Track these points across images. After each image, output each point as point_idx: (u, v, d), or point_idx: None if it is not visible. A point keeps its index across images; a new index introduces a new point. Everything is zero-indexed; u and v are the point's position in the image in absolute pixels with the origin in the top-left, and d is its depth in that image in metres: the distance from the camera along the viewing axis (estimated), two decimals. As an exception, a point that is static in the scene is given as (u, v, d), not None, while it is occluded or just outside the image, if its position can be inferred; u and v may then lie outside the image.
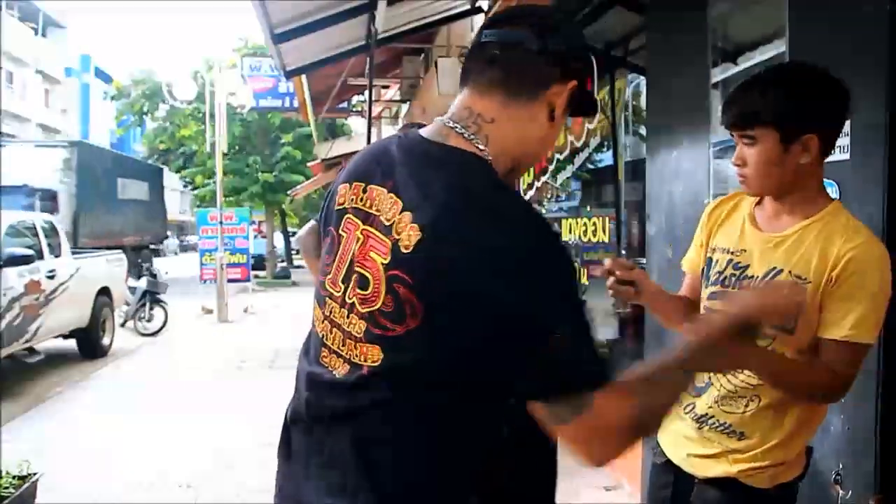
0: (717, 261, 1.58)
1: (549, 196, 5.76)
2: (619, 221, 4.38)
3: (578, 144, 4.68)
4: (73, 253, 8.01)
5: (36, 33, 32.08)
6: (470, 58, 1.08)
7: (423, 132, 1.07)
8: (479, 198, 0.96)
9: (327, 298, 1.07)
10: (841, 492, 1.92)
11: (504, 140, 1.03)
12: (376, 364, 0.98)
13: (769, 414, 1.47)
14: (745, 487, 1.50)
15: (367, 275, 0.99)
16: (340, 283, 1.04)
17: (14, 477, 3.28)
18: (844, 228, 1.39)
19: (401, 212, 0.97)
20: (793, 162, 1.40)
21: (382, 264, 0.97)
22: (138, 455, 4.48)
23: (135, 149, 38.29)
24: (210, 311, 11.83)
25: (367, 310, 0.99)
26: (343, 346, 1.03)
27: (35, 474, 3.38)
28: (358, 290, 1.00)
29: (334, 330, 1.05)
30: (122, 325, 9.69)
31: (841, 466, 1.92)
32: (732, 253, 1.53)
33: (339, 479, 1.01)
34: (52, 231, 7.53)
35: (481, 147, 1.02)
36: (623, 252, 4.44)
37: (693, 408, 1.59)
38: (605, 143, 4.52)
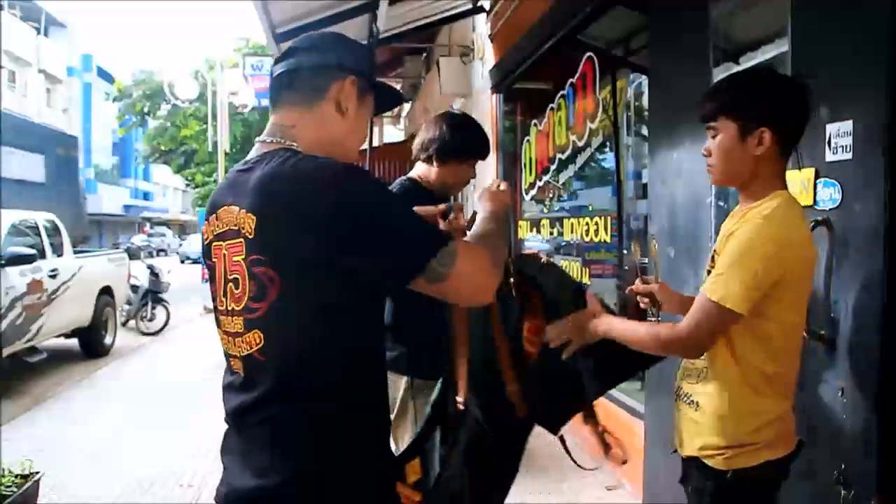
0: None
1: (551, 195, 5.76)
2: (620, 221, 4.38)
3: (580, 144, 4.67)
4: (76, 252, 8.02)
5: (38, 33, 32.09)
6: (270, 91, 1.32)
7: (247, 157, 1.27)
8: (282, 170, 1.15)
9: (221, 317, 1.24)
10: (843, 491, 1.91)
11: (308, 139, 1.25)
12: (261, 346, 1.15)
13: (716, 385, 1.55)
14: (707, 467, 1.56)
15: (237, 276, 1.18)
16: (223, 298, 1.22)
17: (16, 476, 3.28)
18: (754, 212, 1.51)
19: (238, 211, 1.17)
20: (749, 153, 1.53)
21: (242, 259, 1.16)
22: (139, 454, 4.48)
23: (136, 148, 38.37)
24: (212, 311, 11.83)
25: (240, 306, 1.17)
26: (235, 346, 1.20)
27: (37, 473, 3.38)
28: (233, 292, 1.18)
29: (229, 339, 1.22)
30: (124, 324, 9.70)
31: (843, 466, 1.92)
32: (716, 251, 1.64)
33: (259, 462, 1.17)
34: (54, 230, 7.54)
35: (289, 143, 1.24)
36: (625, 252, 4.44)
37: (678, 388, 1.71)
38: (607, 143, 4.51)
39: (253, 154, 1.27)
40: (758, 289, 1.44)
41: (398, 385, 2.25)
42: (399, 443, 2.23)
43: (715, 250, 1.62)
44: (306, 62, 1.28)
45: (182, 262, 24.41)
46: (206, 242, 1.27)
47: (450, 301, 1.26)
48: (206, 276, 1.31)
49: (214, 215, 1.24)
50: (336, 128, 1.28)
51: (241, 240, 1.15)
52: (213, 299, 1.27)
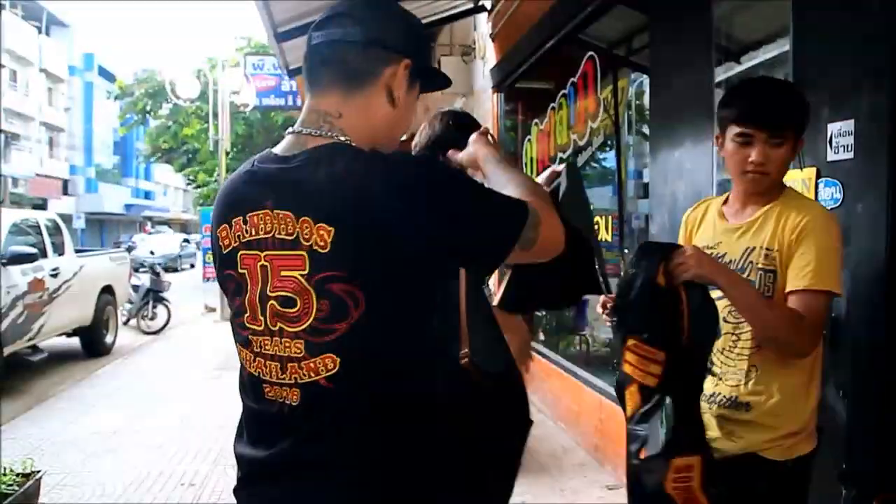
0: None
1: (551, 195, 5.75)
2: (622, 220, 4.37)
3: (581, 143, 4.67)
4: (77, 251, 8.02)
5: (39, 32, 32.12)
6: (305, 64, 1.13)
7: (276, 150, 1.11)
8: (355, 172, 1.00)
9: (251, 336, 1.07)
10: (844, 491, 1.91)
11: (357, 129, 1.08)
12: (333, 371, 1.00)
13: (770, 381, 1.56)
14: (765, 461, 1.56)
15: (289, 295, 1.01)
16: (260, 317, 1.05)
17: (17, 475, 3.28)
18: (799, 204, 1.59)
19: (297, 220, 1.00)
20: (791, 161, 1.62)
21: (303, 276, 1.00)
22: (140, 453, 4.48)
23: (138, 147, 38.38)
24: (213, 310, 11.85)
25: (301, 328, 1.01)
26: (284, 373, 1.03)
27: (38, 472, 3.38)
28: (285, 312, 1.02)
29: (269, 363, 1.05)
30: (125, 323, 9.71)
31: (844, 466, 1.92)
32: (710, 248, 1.66)
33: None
34: (55, 229, 7.55)
35: (342, 138, 1.06)
36: (626, 251, 4.43)
37: (703, 389, 1.67)
38: (608, 143, 4.51)
39: (289, 146, 1.09)
40: (841, 268, 1.53)
41: None
42: None
43: (763, 248, 1.59)
44: (354, 36, 1.08)
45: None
46: (225, 251, 1.09)
47: (533, 260, 1.13)
48: (223, 287, 1.14)
49: (241, 219, 1.06)
50: (383, 117, 1.11)
51: (303, 253, 0.99)
52: (236, 315, 1.10)
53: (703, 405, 1.66)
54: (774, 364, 1.56)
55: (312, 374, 1.01)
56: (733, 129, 1.58)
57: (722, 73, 2.84)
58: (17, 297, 6.19)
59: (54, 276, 6.94)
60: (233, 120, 16.21)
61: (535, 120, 5.67)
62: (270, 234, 1.03)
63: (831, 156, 1.99)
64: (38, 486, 3.38)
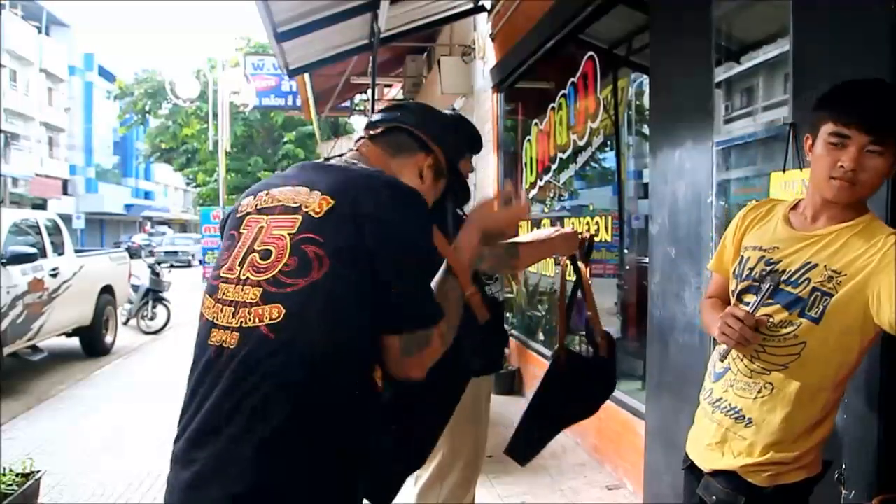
0: (748, 258, 1.61)
1: (551, 195, 5.76)
2: (622, 221, 4.38)
3: (581, 143, 4.67)
4: (77, 251, 8.02)
5: (39, 32, 32.12)
6: (368, 126, 1.44)
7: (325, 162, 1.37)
8: (369, 179, 1.23)
9: (221, 284, 1.19)
10: (844, 492, 1.91)
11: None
12: (276, 321, 1.10)
13: (779, 405, 1.50)
14: (745, 482, 1.53)
15: (270, 248, 1.16)
16: (237, 267, 1.18)
17: (17, 475, 3.28)
18: (881, 229, 1.45)
19: (310, 192, 1.19)
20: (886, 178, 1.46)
21: (289, 234, 1.16)
22: (141, 453, 4.48)
23: (137, 147, 38.38)
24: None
25: (264, 277, 1.14)
26: (233, 317, 1.14)
27: (38, 472, 3.38)
28: (258, 263, 1.16)
29: (224, 308, 1.16)
30: (125, 323, 9.71)
31: (844, 466, 1.92)
32: (765, 250, 1.57)
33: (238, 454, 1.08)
34: (55, 229, 7.55)
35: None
36: (626, 251, 4.43)
37: (711, 392, 1.64)
38: (608, 143, 4.51)
39: (334, 161, 1.37)
40: None
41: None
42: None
43: (834, 271, 1.46)
44: (406, 122, 1.41)
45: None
46: (239, 214, 1.26)
47: (387, 368, 1.20)
48: (224, 245, 1.27)
49: (266, 192, 1.25)
50: (410, 183, 1.31)
51: (299, 216, 1.16)
52: (217, 267, 1.23)
53: (707, 408, 1.64)
54: (791, 390, 1.49)
55: (257, 320, 1.11)
56: (828, 129, 1.43)
57: (722, 74, 2.84)
58: (16, 297, 6.19)
59: (54, 276, 6.94)
60: (232, 120, 16.22)
61: (535, 120, 5.67)
62: (280, 203, 1.21)
63: (831, 156, 1.98)
64: (38, 486, 3.38)
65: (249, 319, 1.11)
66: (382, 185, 1.21)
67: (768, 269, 1.54)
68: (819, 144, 1.46)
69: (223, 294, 1.17)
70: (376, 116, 1.46)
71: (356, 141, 1.43)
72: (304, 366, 1.10)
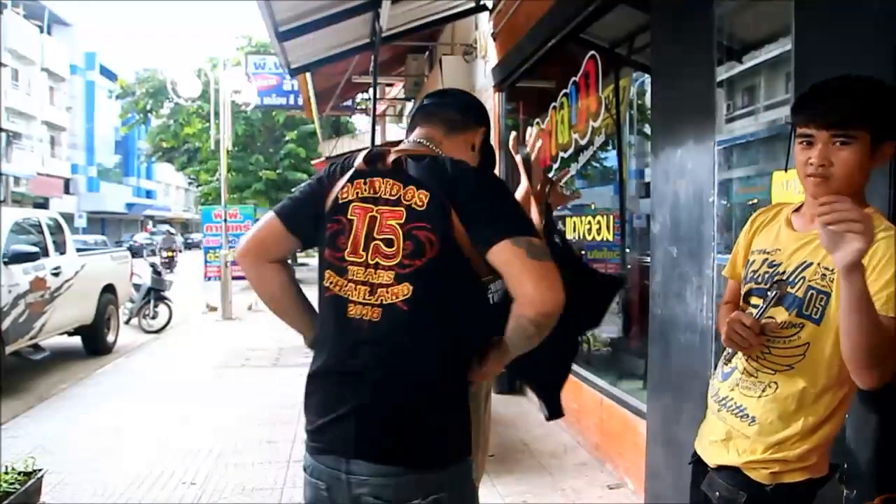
0: (753, 261, 1.66)
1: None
2: (623, 220, 4.37)
3: (583, 143, 4.66)
4: (78, 250, 8.03)
5: (41, 31, 32.15)
6: (422, 108, 1.70)
7: (402, 146, 1.59)
8: (444, 166, 1.47)
9: (350, 266, 1.46)
10: (845, 491, 1.91)
11: (448, 153, 1.57)
12: (407, 296, 1.40)
13: (782, 404, 1.52)
14: (747, 479, 1.55)
15: (391, 237, 1.43)
16: (362, 252, 1.45)
17: (19, 473, 3.29)
18: (876, 225, 1.40)
19: (405, 187, 1.45)
20: (870, 166, 1.46)
21: (399, 224, 1.43)
22: (142, 452, 4.49)
23: (139, 146, 38.39)
24: (214, 309, 11.87)
25: (394, 262, 1.42)
26: (371, 295, 1.43)
27: (40, 471, 3.39)
28: (384, 251, 1.43)
29: (359, 287, 1.45)
30: (127, 322, 9.72)
31: (845, 466, 1.92)
32: (768, 253, 1.61)
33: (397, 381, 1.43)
34: (57, 228, 7.56)
35: (437, 151, 1.59)
36: (627, 250, 4.43)
37: (718, 391, 1.68)
38: (610, 142, 4.51)
39: (408, 145, 1.60)
40: None
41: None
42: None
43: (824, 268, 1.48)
44: (456, 104, 1.70)
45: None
46: (341, 201, 1.50)
47: (530, 300, 1.37)
48: (327, 230, 1.50)
49: (362, 180, 1.49)
50: (464, 156, 1.59)
51: (402, 209, 1.43)
52: (338, 249, 1.48)
53: (714, 406, 1.67)
54: (795, 390, 1.51)
55: (394, 298, 1.41)
56: (798, 131, 1.49)
57: (724, 73, 2.84)
58: (18, 296, 6.20)
59: (56, 274, 6.95)
60: (234, 119, 16.19)
61: (537, 119, 5.67)
62: (379, 195, 1.47)
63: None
64: (40, 484, 3.39)
65: (388, 297, 1.41)
66: (464, 171, 1.46)
67: (771, 271, 1.57)
68: (795, 147, 1.52)
69: (353, 275, 1.45)
70: (427, 101, 1.71)
71: (409, 125, 1.69)
72: (434, 322, 1.42)
